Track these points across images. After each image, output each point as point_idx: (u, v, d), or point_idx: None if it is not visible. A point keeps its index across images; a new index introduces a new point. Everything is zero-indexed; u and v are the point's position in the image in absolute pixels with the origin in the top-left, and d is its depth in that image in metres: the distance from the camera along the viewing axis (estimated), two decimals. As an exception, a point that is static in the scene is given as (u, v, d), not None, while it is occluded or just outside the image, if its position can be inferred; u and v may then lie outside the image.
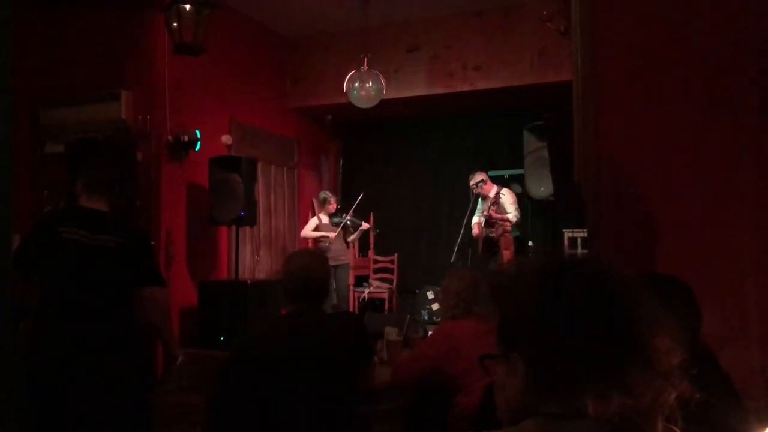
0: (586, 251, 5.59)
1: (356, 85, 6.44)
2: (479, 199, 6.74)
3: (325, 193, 7.43)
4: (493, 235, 6.39)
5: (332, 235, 7.11)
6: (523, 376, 0.90)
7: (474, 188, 6.63)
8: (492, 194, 6.47)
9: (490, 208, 6.38)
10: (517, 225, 6.47)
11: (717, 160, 2.36)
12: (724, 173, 2.35)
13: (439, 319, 5.87)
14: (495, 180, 6.84)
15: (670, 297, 1.72)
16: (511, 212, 6.42)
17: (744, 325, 2.20)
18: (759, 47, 2.32)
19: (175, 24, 5.02)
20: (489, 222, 6.40)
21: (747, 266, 2.25)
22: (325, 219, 7.30)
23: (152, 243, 3.37)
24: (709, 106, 2.39)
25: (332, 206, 7.34)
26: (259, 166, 6.90)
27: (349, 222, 7.31)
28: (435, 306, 7.31)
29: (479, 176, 6.64)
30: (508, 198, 6.48)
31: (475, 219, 6.69)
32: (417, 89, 7.19)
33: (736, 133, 2.34)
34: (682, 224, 2.38)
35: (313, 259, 2.65)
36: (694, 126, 2.40)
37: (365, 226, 7.51)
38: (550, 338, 0.87)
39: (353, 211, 7.43)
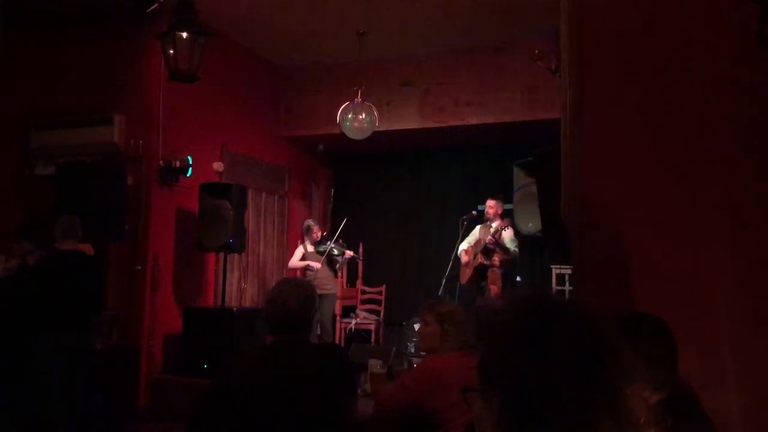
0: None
1: (349, 116, 6.49)
2: (477, 228, 6.69)
3: (309, 222, 7.41)
4: (488, 263, 6.33)
5: (317, 265, 7.05)
6: (497, 414, 0.90)
7: (487, 213, 6.53)
8: (497, 224, 6.37)
9: (495, 234, 6.30)
10: (508, 262, 6.41)
11: (701, 202, 2.39)
12: (707, 215, 2.38)
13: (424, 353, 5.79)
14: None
15: (649, 337, 1.73)
16: (510, 248, 6.38)
17: (722, 366, 2.21)
18: (748, 92, 2.37)
19: (171, 51, 5.06)
20: (487, 248, 6.36)
21: (727, 307, 2.26)
22: (310, 248, 7.28)
23: None
24: (694, 148, 2.42)
25: (316, 234, 7.30)
26: (250, 193, 6.91)
27: (333, 249, 7.27)
28: (422, 338, 7.22)
29: (496, 203, 6.56)
30: (509, 234, 6.40)
31: (464, 246, 6.65)
32: (409, 122, 7.28)
33: (721, 176, 2.37)
34: (664, 264, 2.40)
35: (292, 290, 2.59)
36: (680, 166, 2.43)
37: (349, 254, 7.46)
38: (522, 381, 0.88)
39: (337, 238, 7.40)
